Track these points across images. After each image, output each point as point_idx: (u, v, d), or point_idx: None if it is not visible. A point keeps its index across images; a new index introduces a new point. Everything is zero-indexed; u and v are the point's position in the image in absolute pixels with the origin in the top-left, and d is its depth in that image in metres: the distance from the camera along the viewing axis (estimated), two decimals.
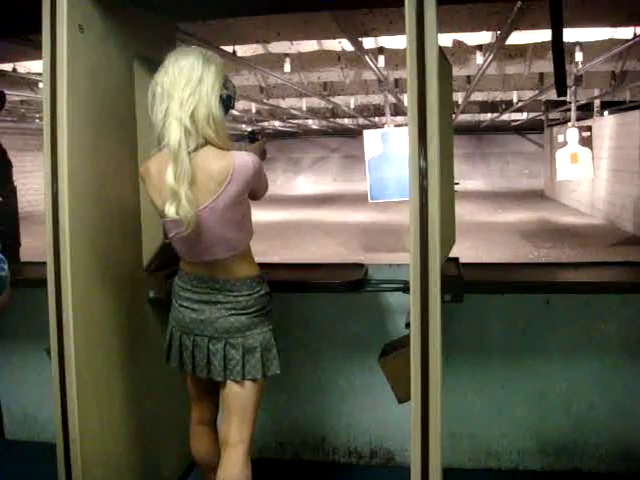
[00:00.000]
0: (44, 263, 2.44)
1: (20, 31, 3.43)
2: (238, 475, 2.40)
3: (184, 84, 2.21)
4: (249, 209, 2.39)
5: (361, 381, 3.36)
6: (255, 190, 2.37)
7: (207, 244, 2.32)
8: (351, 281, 3.03)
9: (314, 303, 3.36)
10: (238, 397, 2.41)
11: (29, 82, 8.34)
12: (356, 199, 19.33)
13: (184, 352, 2.46)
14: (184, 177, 2.17)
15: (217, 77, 2.26)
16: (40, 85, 7.98)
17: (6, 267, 1.74)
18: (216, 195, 2.22)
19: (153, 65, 2.74)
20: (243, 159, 2.26)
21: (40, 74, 2.45)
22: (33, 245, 4.13)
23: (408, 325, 2.28)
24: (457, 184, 3.13)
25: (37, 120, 14.64)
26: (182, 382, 2.64)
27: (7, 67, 6.98)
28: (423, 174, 2.17)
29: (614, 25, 6.29)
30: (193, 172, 2.19)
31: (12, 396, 3.73)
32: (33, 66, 7.41)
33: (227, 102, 2.31)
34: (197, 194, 2.21)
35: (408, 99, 2.18)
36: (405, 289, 2.93)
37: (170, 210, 2.19)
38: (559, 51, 3.04)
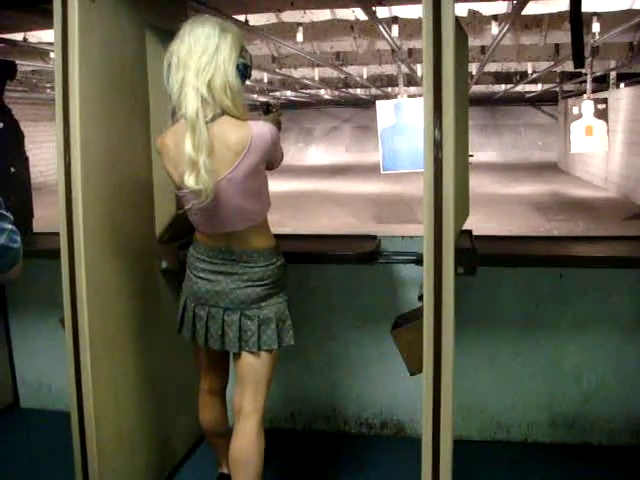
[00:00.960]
0: (57, 234, 2.45)
1: (31, 1, 3.39)
2: (252, 445, 2.42)
3: (200, 53, 2.18)
4: (266, 180, 2.38)
5: (372, 353, 3.37)
6: (271, 161, 2.36)
7: (225, 215, 2.31)
8: (364, 253, 3.03)
9: (326, 274, 3.36)
10: (253, 368, 2.43)
11: (40, 52, 8.31)
12: (368, 170, 19.27)
13: (197, 323, 2.47)
14: (203, 147, 2.15)
15: (234, 46, 2.23)
16: (52, 55, 7.95)
17: (19, 239, 1.74)
18: (234, 165, 2.21)
19: (165, 35, 2.72)
20: (261, 129, 2.24)
21: (51, 44, 2.43)
22: (46, 216, 4.14)
23: (421, 297, 2.27)
24: (472, 156, 3.10)
25: (48, 90, 14.60)
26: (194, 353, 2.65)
27: (18, 37, 6.95)
28: (438, 145, 2.15)
29: None
30: (211, 142, 2.18)
31: (27, 366, 3.77)
32: (44, 36, 7.38)
33: (244, 71, 2.28)
34: (215, 165, 2.20)
35: (424, 70, 2.15)
36: (418, 261, 2.93)
37: (189, 180, 2.17)
38: (577, 22, 3.00)
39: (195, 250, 2.47)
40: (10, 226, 1.70)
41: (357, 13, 7.22)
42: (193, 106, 2.16)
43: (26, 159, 3.82)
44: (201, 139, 2.16)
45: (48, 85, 13.78)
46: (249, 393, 2.44)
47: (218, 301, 2.41)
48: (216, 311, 2.42)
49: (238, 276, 2.38)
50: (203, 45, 2.19)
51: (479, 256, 2.74)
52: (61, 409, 3.37)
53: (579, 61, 3.05)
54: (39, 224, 3.91)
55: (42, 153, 16.33)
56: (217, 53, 2.19)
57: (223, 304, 2.40)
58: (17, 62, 4.16)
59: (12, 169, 3.68)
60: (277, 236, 3.02)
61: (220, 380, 2.68)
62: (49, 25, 2.39)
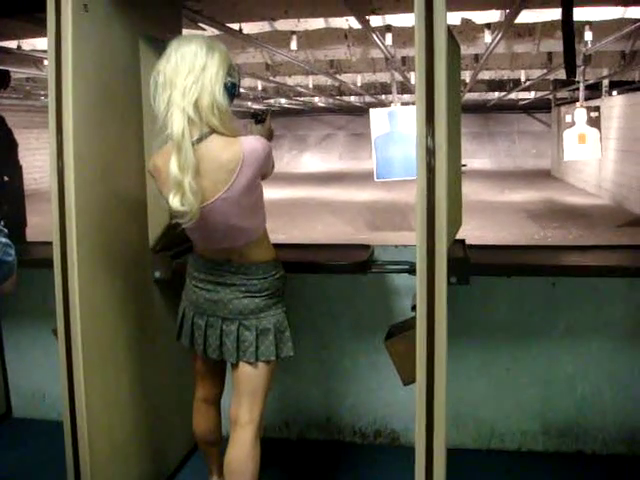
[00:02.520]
0: (50, 243, 2.44)
1: (25, 9, 3.39)
2: (247, 455, 2.42)
3: (187, 72, 2.16)
4: (262, 194, 2.37)
5: (366, 362, 3.37)
6: (264, 173, 2.35)
7: (222, 234, 2.31)
8: (357, 262, 3.03)
9: (320, 284, 3.36)
10: (250, 378, 2.42)
11: (34, 59, 8.29)
12: (362, 177, 19.30)
13: (196, 332, 2.47)
14: (188, 167, 2.13)
15: (221, 64, 2.21)
16: (45, 62, 7.94)
17: (13, 252, 1.73)
18: (229, 184, 2.19)
19: (159, 44, 2.72)
20: (252, 145, 2.23)
21: (45, 51, 2.43)
22: (39, 223, 4.13)
23: (414, 307, 2.28)
24: (464, 166, 3.11)
25: (42, 97, 14.58)
26: (188, 362, 2.65)
27: (12, 44, 6.94)
28: (430, 154, 2.15)
29: (626, 4, 6.21)
30: (198, 163, 2.15)
31: (20, 375, 3.75)
32: (38, 43, 7.37)
33: (232, 90, 2.27)
34: (207, 185, 2.18)
35: (416, 78, 2.16)
36: (411, 270, 2.93)
37: (174, 201, 2.14)
38: (569, 30, 3.01)
39: (194, 260, 2.47)
40: (4, 239, 1.70)
41: (351, 22, 7.23)
42: (179, 126, 2.13)
43: (19, 168, 3.81)
44: (187, 159, 2.13)
45: (42, 92, 13.77)
46: (246, 404, 2.43)
47: (216, 311, 2.40)
48: (214, 320, 2.41)
49: (236, 287, 2.38)
50: (190, 64, 2.17)
51: (472, 265, 2.74)
52: (54, 419, 3.37)
53: (571, 71, 3.06)
54: (32, 232, 3.91)
55: (35, 160, 16.30)
56: (204, 72, 2.17)
57: (221, 314, 2.40)
58: (11, 69, 4.17)
59: (5, 178, 3.67)
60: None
61: (216, 389, 2.67)
62: (43, 33, 2.39)
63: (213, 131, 2.20)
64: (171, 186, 2.15)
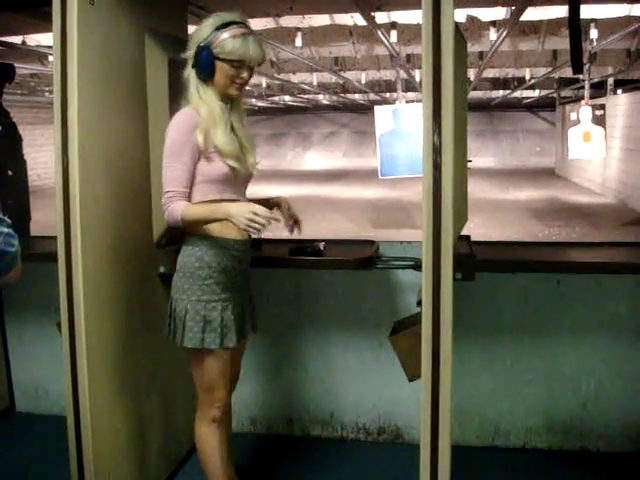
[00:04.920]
0: (54, 237, 2.44)
1: (31, 3, 3.38)
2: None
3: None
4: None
5: (371, 358, 3.36)
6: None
7: None
8: (362, 258, 3.02)
9: (325, 280, 3.36)
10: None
11: (39, 55, 8.31)
12: (366, 175, 19.28)
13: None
14: None
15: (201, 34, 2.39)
16: (50, 58, 7.94)
17: (16, 242, 1.73)
18: None
19: (164, 39, 2.72)
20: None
21: (50, 47, 2.43)
22: (43, 219, 4.13)
23: (419, 303, 2.27)
24: (470, 162, 3.10)
25: (47, 93, 14.60)
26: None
27: (17, 40, 6.94)
28: (437, 151, 2.14)
29: (632, 2, 6.19)
30: None
31: (23, 369, 3.76)
32: (43, 39, 7.37)
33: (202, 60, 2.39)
34: None
35: (423, 75, 2.15)
36: (416, 267, 2.92)
37: None
38: (575, 27, 3.00)
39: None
40: (6, 229, 1.70)
41: (356, 18, 7.22)
42: None
43: (24, 162, 3.81)
44: None
45: (47, 88, 13.79)
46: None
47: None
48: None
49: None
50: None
51: (477, 262, 2.73)
52: (57, 413, 3.37)
53: (577, 67, 3.05)
54: (36, 227, 3.90)
55: (40, 156, 16.32)
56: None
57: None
58: (16, 65, 4.16)
59: (10, 172, 3.67)
60: (276, 241, 3.04)
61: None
62: (48, 28, 2.39)
63: None
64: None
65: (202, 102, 2.40)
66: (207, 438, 2.55)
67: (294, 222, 2.71)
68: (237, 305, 2.52)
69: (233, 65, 2.36)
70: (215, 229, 2.44)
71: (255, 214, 2.26)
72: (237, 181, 2.50)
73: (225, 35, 2.33)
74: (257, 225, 2.26)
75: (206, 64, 2.36)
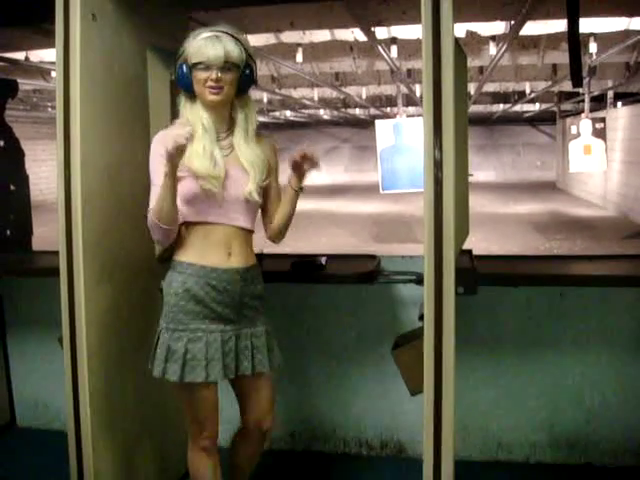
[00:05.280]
0: (56, 252, 2.44)
1: (32, 19, 3.40)
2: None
3: None
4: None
5: (373, 373, 3.35)
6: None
7: None
8: (364, 272, 3.02)
9: (326, 294, 3.35)
10: None
11: (42, 70, 8.34)
12: (367, 190, 19.30)
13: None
14: None
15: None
16: (53, 74, 7.98)
17: None
18: None
19: (166, 55, 2.73)
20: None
21: (53, 63, 2.44)
22: (45, 234, 4.13)
23: (421, 317, 2.26)
24: (471, 175, 3.11)
25: (49, 109, 14.66)
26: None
27: (20, 56, 6.98)
28: (438, 165, 2.15)
29: (631, 15, 6.21)
30: None
31: (24, 384, 3.75)
32: (46, 55, 7.40)
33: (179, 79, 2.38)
34: None
35: (423, 89, 2.16)
36: (418, 281, 2.92)
37: None
38: (575, 41, 3.01)
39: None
40: None
41: (356, 34, 7.25)
42: None
43: (26, 177, 3.82)
44: None
45: (49, 104, 13.85)
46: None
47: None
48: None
49: None
50: None
51: (479, 275, 2.73)
52: (58, 428, 3.36)
53: (577, 80, 3.05)
54: (38, 242, 3.90)
55: (42, 172, 16.38)
56: None
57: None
58: (18, 81, 4.17)
59: (12, 187, 3.68)
60: (278, 255, 3.04)
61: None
62: (51, 44, 2.40)
63: None
64: None
65: (185, 119, 2.37)
66: (197, 464, 2.49)
67: (310, 161, 2.45)
68: (220, 339, 2.36)
69: (199, 68, 2.28)
70: (190, 254, 2.38)
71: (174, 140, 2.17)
72: (221, 204, 2.36)
73: (191, 40, 2.31)
74: (179, 142, 2.15)
75: (181, 76, 2.33)
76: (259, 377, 2.48)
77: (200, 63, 2.27)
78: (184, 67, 2.31)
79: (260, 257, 2.63)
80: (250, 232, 2.49)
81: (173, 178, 2.23)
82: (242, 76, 2.35)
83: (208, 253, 2.37)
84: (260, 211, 2.53)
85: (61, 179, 2.38)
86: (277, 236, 2.58)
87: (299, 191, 2.51)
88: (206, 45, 2.27)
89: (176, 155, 2.17)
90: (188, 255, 2.39)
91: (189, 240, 2.40)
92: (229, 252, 2.40)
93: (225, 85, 2.30)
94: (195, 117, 2.35)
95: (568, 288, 3.12)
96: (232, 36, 2.31)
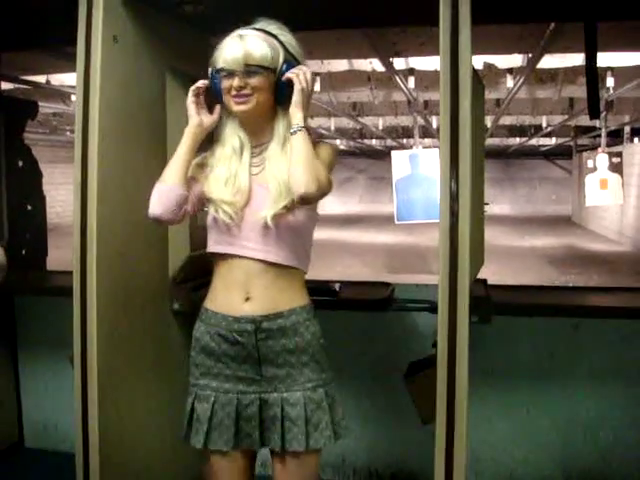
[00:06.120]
0: (69, 272, 2.44)
1: (54, 43, 3.46)
2: None
3: None
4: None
5: (384, 401, 3.32)
6: None
7: None
8: (377, 299, 3.01)
9: (339, 321, 3.33)
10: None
11: (62, 94, 8.43)
12: (382, 220, 19.28)
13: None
14: None
15: None
16: (73, 97, 8.07)
17: None
18: None
19: (185, 78, 2.76)
20: None
21: (73, 86, 2.47)
22: (59, 256, 4.15)
23: (435, 345, 2.24)
24: (487, 204, 3.10)
25: (68, 132, 14.81)
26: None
27: (41, 79, 7.06)
28: (454, 197, 2.14)
29: None
30: None
31: (33, 404, 3.74)
32: (67, 79, 7.49)
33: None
34: None
35: (440, 119, 2.16)
36: (432, 309, 2.89)
37: None
38: (593, 74, 3.02)
39: None
40: None
41: (374, 64, 7.29)
42: None
43: (43, 198, 3.85)
44: None
45: (68, 127, 13.98)
46: None
47: None
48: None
49: None
50: None
51: (494, 304, 2.71)
52: (66, 450, 3.34)
53: (594, 112, 3.06)
54: (53, 264, 3.92)
55: (59, 195, 16.50)
56: None
57: None
58: (39, 104, 4.23)
59: (29, 206, 3.71)
60: None
61: None
62: (72, 68, 2.43)
63: None
64: None
65: (218, 140, 2.12)
66: None
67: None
68: (236, 401, 2.04)
69: (222, 75, 1.98)
70: (209, 296, 2.12)
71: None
72: (240, 232, 2.04)
73: (220, 43, 2.02)
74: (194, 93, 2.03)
75: (212, 85, 2.04)
76: (294, 457, 2.05)
77: (222, 69, 1.97)
78: (212, 74, 2.03)
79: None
80: (287, 268, 2.07)
81: (192, 139, 2.07)
82: (279, 79, 1.98)
83: (224, 295, 2.07)
84: None
85: (78, 200, 2.39)
86: (297, 186, 1.92)
87: (300, 132, 1.95)
88: (226, 47, 1.97)
89: (196, 103, 2.03)
90: (208, 297, 2.12)
91: (213, 277, 2.12)
92: (247, 295, 2.04)
93: (255, 92, 1.96)
94: (226, 135, 2.09)
95: (583, 319, 3.09)
96: (264, 32, 1.98)
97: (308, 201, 1.96)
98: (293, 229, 2.05)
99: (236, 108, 1.99)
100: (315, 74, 7.51)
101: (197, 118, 2.07)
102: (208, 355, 2.06)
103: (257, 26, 2.01)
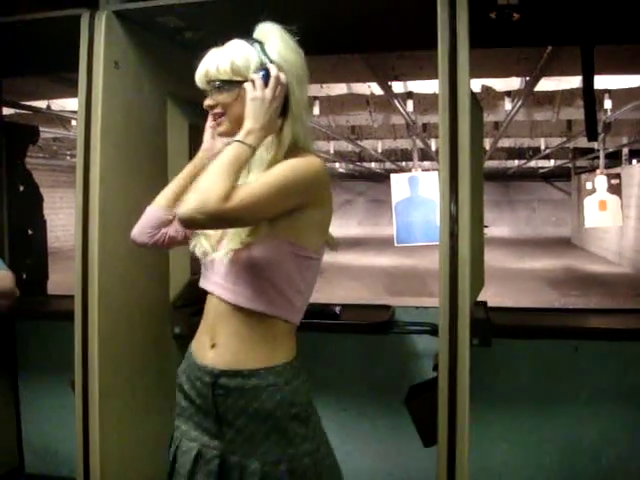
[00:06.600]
0: (71, 296, 2.45)
1: (56, 68, 3.48)
2: None
3: None
4: None
5: (385, 424, 3.30)
6: None
7: None
8: (378, 322, 3.01)
9: (340, 344, 3.33)
10: None
11: (62, 119, 8.48)
12: (381, 243, 19.31)
13: None
14: None
15: None
16: (73, 122, 8.11)
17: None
18: None
19: (185, 104, 2.78)
20: None
21: (74, 111, 2.49)
22: (60, 280, 4.15)
23: (435, 367, 2.24)
24: (486, 227, 3.11)
25: (68, 157, 14.86)
26: None
27: (42, 104, 7.11)
28: (453, 219, 2.15)
29: None
30: None
31: (33, 429, 3.72)
32: (67, 104, 7.54)
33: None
34: None
35: (440, 143, 2.18)
36: (432, 332, 2.90)
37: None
38: (590, 97, 3.04)
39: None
40: None
41: (373, 88, 7.35)
42: None
43: (44, 222, 3.86)
44: None
45: (68, 152, 14.03)
46: None
47: None
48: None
49: None
50: None
51: (494, 327, 2.71)
52: (66, 475, 3.32)
53: (592, 133, 3.08)
54: (53, 288, 3.92)
55: (59, 219, 16.50)
56: None
57: None
58: (40, 129, 4.25)
59: (29, 231, 3.72)
60: None
61: None
62: (73, 93, 2.45)
63: None
64: None
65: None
66: None
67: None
68: (195, 453, 1.77)
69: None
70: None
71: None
72: (212, 264, 1.79)
73: None
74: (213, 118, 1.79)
75: None
76: None
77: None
78: None
79: None
80: (258, 315, 1.73)
81: (194, 164, 1.95)
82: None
83: (198, 335, 1.84)
84: None
85: (79, 224, 2.40)
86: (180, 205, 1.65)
87: (232, 145, 1.66)
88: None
89: (214, 127, 1.82)
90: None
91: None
92: (212, 341, 1.77)
93: (226, 109, 1.74)
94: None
95: (583, 341, 3.09)
96: (248, 40, 1.74)
97: (187, 224, 1.64)
98: (262, 267, 1.71)
99: (216, 131, 1.82)
100: (314, 98, 7.56)
101: (207, 143, 1.92)
102: (184, 396, 1.83)
103: (254, 33, 1.77)
